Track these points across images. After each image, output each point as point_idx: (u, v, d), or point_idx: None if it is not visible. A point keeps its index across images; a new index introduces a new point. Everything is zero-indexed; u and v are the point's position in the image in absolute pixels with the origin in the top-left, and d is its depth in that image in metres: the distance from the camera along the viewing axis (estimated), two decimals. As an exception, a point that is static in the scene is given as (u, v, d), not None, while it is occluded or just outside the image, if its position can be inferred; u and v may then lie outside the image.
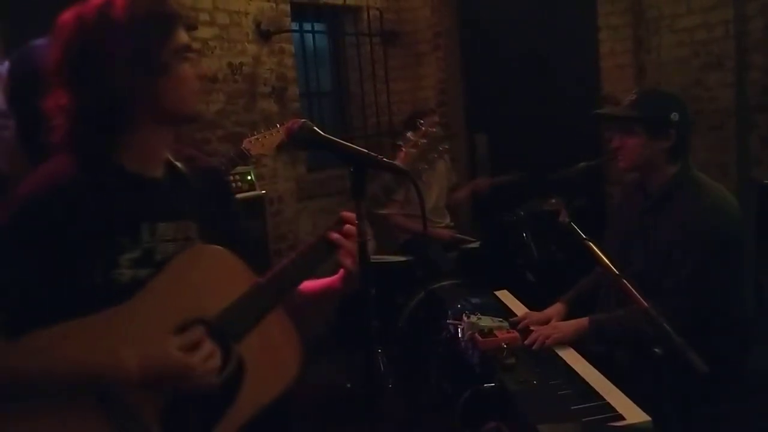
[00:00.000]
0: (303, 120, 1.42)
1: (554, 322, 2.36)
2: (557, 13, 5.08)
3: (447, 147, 1.76)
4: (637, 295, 1.68)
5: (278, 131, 2.99)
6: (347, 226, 1.54)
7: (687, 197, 2.22)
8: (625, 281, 1.74)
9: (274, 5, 4.77)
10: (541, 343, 2.22)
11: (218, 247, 1.46)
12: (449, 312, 2.55)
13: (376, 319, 1.50)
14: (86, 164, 1.37)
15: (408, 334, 3.71)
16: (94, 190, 1.35)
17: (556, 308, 2.49)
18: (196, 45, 3.17)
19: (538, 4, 5.13)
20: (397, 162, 1.64)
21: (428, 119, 4.43)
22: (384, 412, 1.83)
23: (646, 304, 1.64)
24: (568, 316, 2.44)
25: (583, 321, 2.27)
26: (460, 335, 2.34)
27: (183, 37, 1.43)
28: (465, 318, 2.33)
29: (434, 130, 1.73)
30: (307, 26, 5.25)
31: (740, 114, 4.27)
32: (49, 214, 1.30)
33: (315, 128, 1.41)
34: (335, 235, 1.54)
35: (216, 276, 1.44)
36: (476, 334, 2.24)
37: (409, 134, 1.72)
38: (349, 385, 3.77)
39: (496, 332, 2.24)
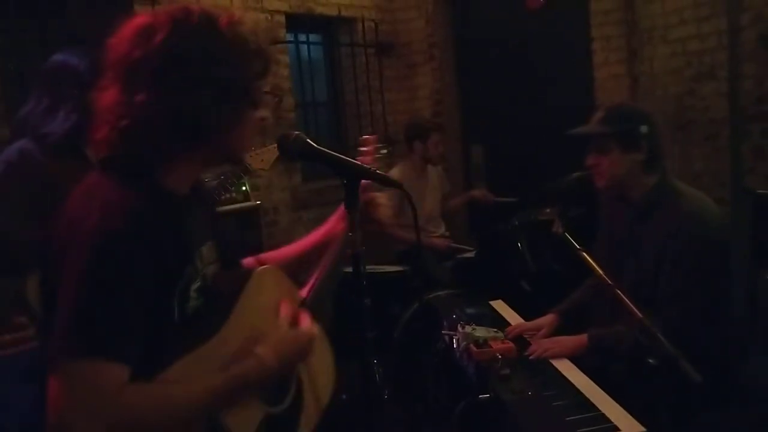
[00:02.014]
0: (296, 132, 1.42)
1: (556, 337, 2.34)
2: (551, 23, 5.11)
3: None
4: (631, 305, 1.68)
5: (275, 146, 3.00)
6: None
7: (668, 207, 2.22)
8: (619, 292, 1.74)
9: (269, 16, 4.78)
10: (539, 355, 2.22)
11: (272, 267, 1.49)
12: (444, 322, 2.55)
13: (372, 330, 1.51)
14: (137, 184, 1.26)
15: (404, 344, 3.70)
16: (161, 218, 1.25)
17: (548, 319, 2.49)
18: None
19: (532, 15, 5.15)
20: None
21: (432, 139, 4.39)
22: (380, 423, 1.83)
23: (640, 314, 1.64)
24: (560, 327, 2.44)
25: (583, 337, 2.26)
26: (455, 346, 2.34)
27: (266, 83, 1.41)
28: (460, 328, 2.33)
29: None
30: (302, 37, 5.27)
31: (733, 123, 4.29)
32: (138, 248, 1.18)
33: (308, 140, 1.41)
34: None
35: (275, 295, 1.47)
36: (471, 345, 2.24)
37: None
38: (344, 397, 3.75)
39: (491, 343, 2.24)
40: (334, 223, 1.66)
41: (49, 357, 1.16)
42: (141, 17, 1.31)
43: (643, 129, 2.25)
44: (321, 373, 1.57)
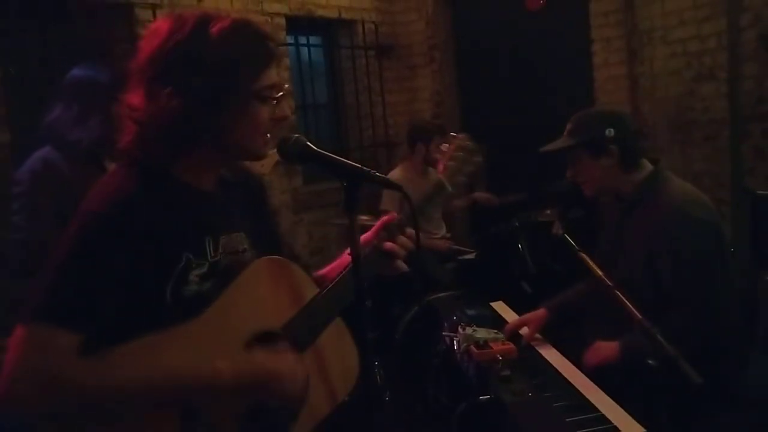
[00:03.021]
0: (296, 135, 1.42)
1: (598, 343, 2.27)
2: (551, 25, 5.11)
3: (481, 160, 1.79)
4: (630, 306, 1.68)
5: (275, 151, 3.01)
6: (401, 237, 1.60)
7: (653, 204, 2.21)
8: (618, 293, 1.74)
9: (269, 19, 4.79)
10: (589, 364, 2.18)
11: (281, 258, 1.50)
12: (445, 324, 2.55)
13: (373, 331, 1.51)
14: (147, 176, 1.34)
15: (405, 346, 3.70)
16: (159, 206, 1.33)
17: (537, 314, 2.49)
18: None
19: (532, 16, 5.16)
20: (440, 176, 1.73)
21: (435, 142, 4.37)
22: (381, 424, 1.83)
23: (639, 315, 1.65)
24: (548, 323, 2.44)
25: (615, 345, 2.20)
26: (455, 347, 2.34)
27: (271, 77, 1.40)
28: (461, 330, 2.33)
29: (469, 142, 1.77)
30: (303, 39, 5.28)
31: (734, 124, 4.30)
32: (119, 232, 1.27)
33: (308, 143, 1.41)
34: (389, 245, 1.60)
35: (281, 287, 1.48)
36: (472, 346, 2.24)
37: (444, 146, 1.78)
38: (345, 398, 3.75)
39: (491, 344, 2.24)
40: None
41: (21, 317, 1.23)
42: (157, 22, 1.39)
43: (609, 133, 2.24)
44: (338, 367, 1.55)
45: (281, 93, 1.44)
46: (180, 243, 1.35)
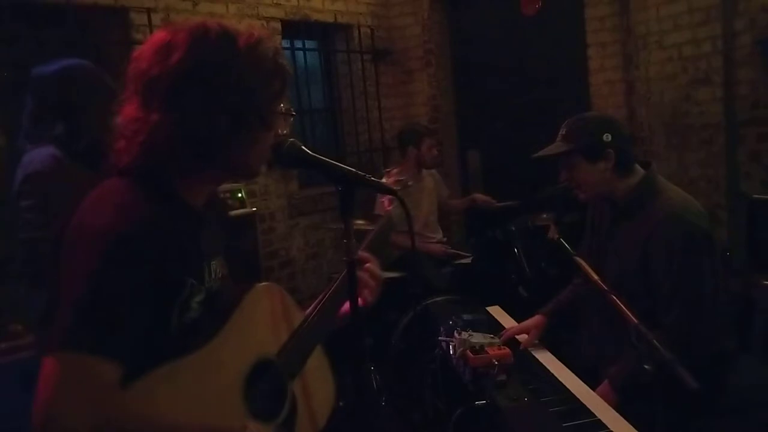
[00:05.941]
0: (291, 139, 1.42)
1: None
2: (547, 29, 5.12)
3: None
4: (627, 311, 1.68)
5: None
6: (368, 265, 1.57)
7: (648, 207, 2.22)
8: (614, 296, 1.74)
9: (264, 23, 4.79)
10: None
11: (273, 284, 1.49)
12: (441, 329, 2.54)
13: (369, 336, 1.50)
14: (154, 193, 1.27)
15: (401, 350, 3.70)
16: (170, 227, 1.26)
17: (535, 320, 2.50)
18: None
19: (528, 21, 5.17)
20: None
21: (426, 143, 4.40)
22: (377, 430, 1.82)
23: (635, 319, 1.64)
24: (547, 328, 2.44)
25: (606, 385, 2.15)
26: (451, 352, 2.34)
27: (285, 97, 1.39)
28: (456, 335, 2.32)
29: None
30: (299, 44, 5.27)
31: (729, 128, 4.30)
32: (146, 251, 1.19)
33: (302, 147, 1.41)
34: (359, 274, 1.54)
35: (273, 312, 1.47)
36: (468, 351, 2.23)
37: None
38: (341, 403, 3.74)
39: (487, 349, 2.23)
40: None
41: (47, 348, 1.14)
42: (162, 32, 1.32)
43: (606, 137, 2.25)
44: (318, 393, 1.53)
45: (293, 113, 1.42)
46: (186, 267, 1.30)
